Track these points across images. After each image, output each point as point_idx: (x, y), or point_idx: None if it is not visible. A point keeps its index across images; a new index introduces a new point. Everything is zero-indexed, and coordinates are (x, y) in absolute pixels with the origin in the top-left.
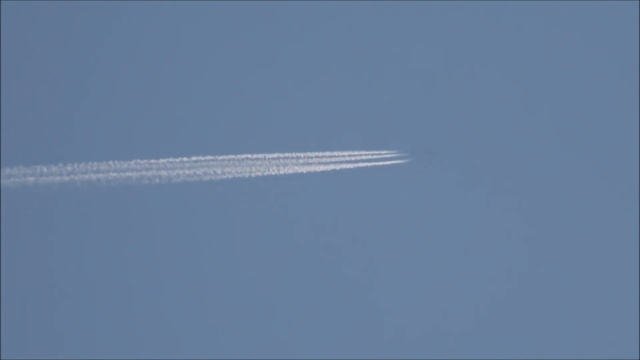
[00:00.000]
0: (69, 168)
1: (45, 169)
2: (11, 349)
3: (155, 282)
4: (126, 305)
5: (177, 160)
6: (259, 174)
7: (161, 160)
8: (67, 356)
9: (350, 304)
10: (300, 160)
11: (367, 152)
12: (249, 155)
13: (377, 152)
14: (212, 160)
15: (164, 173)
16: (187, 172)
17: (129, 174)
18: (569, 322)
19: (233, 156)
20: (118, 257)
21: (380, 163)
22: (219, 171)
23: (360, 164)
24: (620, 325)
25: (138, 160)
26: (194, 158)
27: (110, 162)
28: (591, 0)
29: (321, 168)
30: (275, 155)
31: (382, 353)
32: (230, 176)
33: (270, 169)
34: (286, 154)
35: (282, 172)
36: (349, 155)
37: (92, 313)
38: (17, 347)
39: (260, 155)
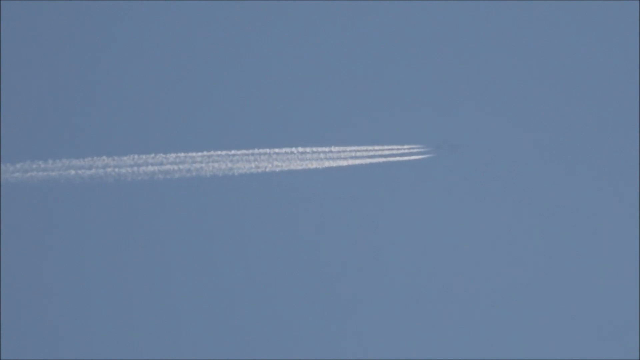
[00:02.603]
0: (69, 163)
1: (46, 165)
2: (11, 349)
3: (158, 280)
4: (127, 304)
5: (188, 155)
6: (281, 168)
7: (178, 155)
8: (67, 356)
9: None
10: (323, 155)
11: (391, 147)
12: (270, 150)
13: (401, 147)
14: (231, 155)
15: (172, 167)
16: (201, 166)
17: (131, 169)
18: (569, 321)
19: (252, 151)
20: (120, 254)
21: (404, 158)
22: (238, 166)
23: (384, 159)
24: (620, 325)
25: (142, 156)
26: (207, 153)
27: (115, 158)
28: (591, 0)
29: (344, 163)
30: (299, 149)
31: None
32: (248, 171)
33: (294, 164)
34: (309, 149)
35: (305, 167)
36: (372, 150)
37: (93, 312)
38: (17, 347)
39: (283, 150)
